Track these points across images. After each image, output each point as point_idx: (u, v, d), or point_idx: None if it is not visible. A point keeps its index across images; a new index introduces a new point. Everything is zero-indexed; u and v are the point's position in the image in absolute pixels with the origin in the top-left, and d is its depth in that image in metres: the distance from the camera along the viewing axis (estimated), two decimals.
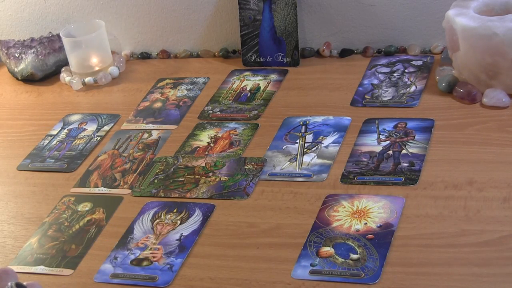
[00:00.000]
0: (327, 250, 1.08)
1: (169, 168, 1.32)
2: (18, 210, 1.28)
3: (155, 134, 1.43)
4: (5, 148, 1.47)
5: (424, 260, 1.03)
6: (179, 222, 1.19)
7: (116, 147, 1.41)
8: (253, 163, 1.29)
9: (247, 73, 1.60)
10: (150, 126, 1.46)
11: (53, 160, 1.40)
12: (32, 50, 1.68)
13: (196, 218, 1.19)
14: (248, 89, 1.54)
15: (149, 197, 1.26)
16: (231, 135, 1.39)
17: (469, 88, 1.37)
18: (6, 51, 1.71)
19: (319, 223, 1.13)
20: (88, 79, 1.64)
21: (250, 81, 1.56)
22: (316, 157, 1.29)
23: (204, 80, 1.60)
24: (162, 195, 1.26)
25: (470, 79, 1.38)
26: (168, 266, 1.10)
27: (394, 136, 1.31)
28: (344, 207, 1.16)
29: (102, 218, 1.23)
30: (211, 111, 1.48)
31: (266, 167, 1.28)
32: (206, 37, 1.70)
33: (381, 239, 1.08)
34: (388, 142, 1.29)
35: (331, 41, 1.62)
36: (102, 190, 1.30)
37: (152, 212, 1.22)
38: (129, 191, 1.28)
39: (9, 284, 1.03)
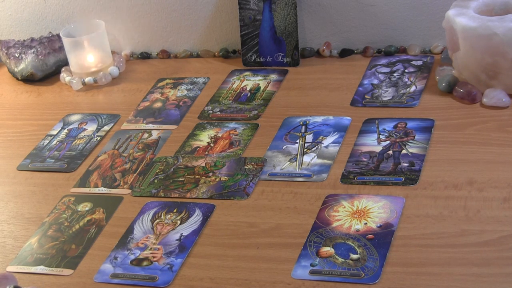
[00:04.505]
0: (327, 250, 1.08)
1: (169, 168, 1.32)
2: (18, 210, 1.28)
3: (155, 134, 1.43)
4: (5, 148, 1.47)
5: (424, 260, 1.03)
6: (179, 222, 1.19)
7: (116, 147, 1.41)
8: (253, 163, 1.29)
9: (247, 73, 1.60)
10: (150, 126, 1.46)
11: (53, 160, 1.40)
12: (32, 50, 1.68)
13: (196, 218, 1.19)
14: (248, 89, 1.54)
15: (149, 197, 1.26)
16: (231, 135, 1.39)
17: (469, 88, 1.37)
18: (6, 51, 1.71)
19: (319, 223, 1.13)
20: (88, 79, 1.64)
21: (250, 81, 1.56)
22: (316, 157, 1.29)
23: (204, 80, 1.60)
24: (162, 195, 1.26)
25: (470, 79, 1.38)
26: (168, 266, 1.10)
27: (394, 136, 1.31)
28: (344, 207, 1.16)
29: (102, 218, 1.23)
30: (211, 111, 1.48)
31: (266, 167, 1.28)
32: (206, 37, 1.70)
33: (381, 239, 1.08)
34: (388, 142, 1.29)
35: (331, 41, 1.62)
36: (102, 190, 1.30)
37: (152, 212, 1.22)
38: (129, 191, 1.28)
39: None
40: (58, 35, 1.70)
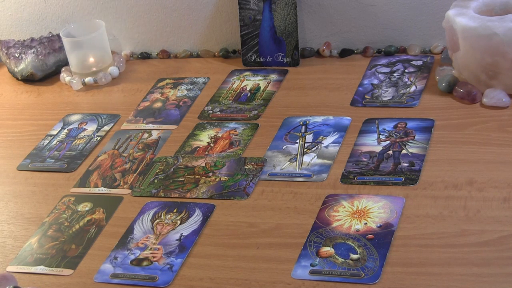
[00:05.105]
0: (327, 250, 1.08)
1: (169, 168, 1.32)
2: (18, 210, 1.28)
3: (155, 134, 1.43)
4: (5, 148, 1.47)
5: (424, 260, 1.03)
6: (179, 222, 1.19)
7: (116, 147, 1.41)
8: (253, 163, 1.29)
9: (247, 73, 1.60)
10: (150, 126, 1.46)
11: (53, 160, 1.40)
12: (32, 50, 1.68)
13: (196, 218, 1.19)
14: (248, 89, 1.54)
15: (149, 197, 1.26)
16: (231, 135, 1.39)
17: (469, 88, 1.37)
18: (6, 51, 1.71)
19: (319, 223, 1.13)
20: (88, 79, 1.64)
21: (250, 81, 1.56)
22: (316, 157, 1.29)
23: (204, 80, 1.60)
24: (162, 195, 1.26)
25: (470, 79, 1.38)
26: (168, 266, 1.10)
27: (394, 136, 1.31)
28: (344, 207, 1.16)
29: (102, 218, 1.23)
30: (211, 111, 1.48)
31: (266, 167, 1.28)
32: (206, 37, 1.70)
33: (381, 239, 1.08)
34: (388, 142, 1.29)
35: (331, 41, 1.62)
36: (102, 190, 1.30)
37: (152, 212, 1.22)
38: (129, 191, 1.28)
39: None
40: (58, 35, 1.70)
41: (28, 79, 1.69)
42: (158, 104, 1.53)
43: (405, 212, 1.13)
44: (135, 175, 1.32)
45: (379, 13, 1.57)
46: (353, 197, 1.18)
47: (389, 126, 1.34)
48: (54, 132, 1.49)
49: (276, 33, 1.59)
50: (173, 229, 1.17)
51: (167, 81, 1.62)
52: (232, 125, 1.42)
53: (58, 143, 1.45)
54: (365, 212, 1.14)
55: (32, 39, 1.71)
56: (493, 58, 1.32)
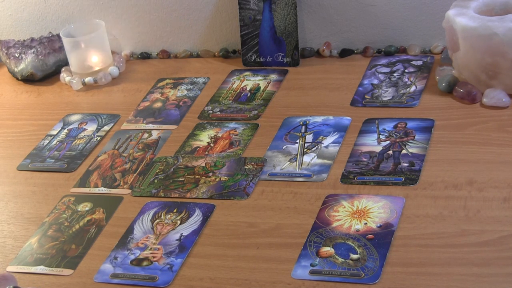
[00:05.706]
0: (327, 250, 1.08)
1: (169, 168, 1.32)
2: (18, 210, 1.28)
3: (155, 134, 1.43)
4: (5, 148, 1.47)
5: (424, 260, 1.03)
6: (179, 222, 1.19)
7: (116, 147, 1.41)
8: (253, 163, 1.29)
9: (247, 73, 1.60)
10: (150, 126, 1.46)
11: (53, 160, 1.40)
12: (32, 50, 1.68)
13: (196, 218, 1.19)
14: (248, 89, 1.54)
15: (149, 197, 1.26)
16: (231, 135, 1.39)
17: (469, 88, 1.37)
18: (6, 51, 1.71)
19: (319, 223, 1.13)
20: (88, 79, 1.64)
21: (250, 81, 1.56)
22: (316, 157, 1.29)
23: (204, 80, 1.60)
24: (162, 195, 1.26)
25: (470, 79, 1.38)
26: (168, 266, 1.10)
27: (394, 136, 1.31)
28: (344, 207, 1.16)
29: (102, 218, 1.23)
30: (211, 111, 1.48)
31: (266, 167, 1.28)
32: (206, 37, 1.70)
33: (381, 239, 1.08)
34: (388, 142, 1.29)
35: (331, 41, 1.62)
36: (102, 190, 1.30)
37: (152, 212, 1.22)
38: (129, 191, 1.28)
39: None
40: (58, 35, 1.70)
41: (28, 79, 1.69)
42: (158, 104, 1.53)
43: (405, 212, 1.13)
44: (135, 175, 1.32)
45: (379, 13, 1.57)
46: (353, 197, 1.18)
47: (389, 126, 1.34)
48: (54, 132, 1.49)
49: (276, 33, 1.59)
50: (173, 229, 1.17)
51: (167, 81, 1.62)
52: (232, 125, 1.42)
53: (58, 143, 1.45)
54: (365, 212, 1.14)
55: (32, 39, 1.71)
56: (493, 58, 1.32)
